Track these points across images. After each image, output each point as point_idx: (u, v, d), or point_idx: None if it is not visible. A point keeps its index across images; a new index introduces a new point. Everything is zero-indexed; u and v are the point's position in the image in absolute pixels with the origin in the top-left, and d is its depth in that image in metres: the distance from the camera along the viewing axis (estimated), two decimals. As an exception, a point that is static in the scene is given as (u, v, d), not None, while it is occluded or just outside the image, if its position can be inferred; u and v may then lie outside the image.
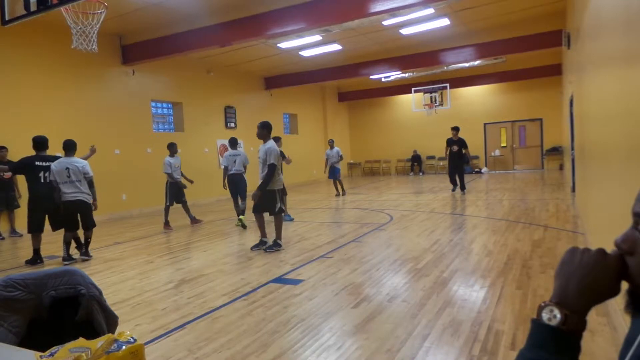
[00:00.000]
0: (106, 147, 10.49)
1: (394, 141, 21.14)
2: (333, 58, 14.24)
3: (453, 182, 11.85)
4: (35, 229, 6.01)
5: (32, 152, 6.11)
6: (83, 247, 6.13)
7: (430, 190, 13.16)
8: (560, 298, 0.75)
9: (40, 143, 6.05)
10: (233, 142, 8.71)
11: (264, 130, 6.13)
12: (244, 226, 7.86)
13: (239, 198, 8.44)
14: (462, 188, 11.73)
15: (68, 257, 5.95)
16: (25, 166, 5.95)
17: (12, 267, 5.97)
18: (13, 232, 8.56)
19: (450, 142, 11.79)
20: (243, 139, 14.87)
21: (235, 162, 8.40)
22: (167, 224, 8.46)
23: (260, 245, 6.18)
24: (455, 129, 11.74)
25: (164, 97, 12.44)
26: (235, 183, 8.44)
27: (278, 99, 17.04)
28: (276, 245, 6.07)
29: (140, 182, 11.23)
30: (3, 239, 8.29)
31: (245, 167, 8.52)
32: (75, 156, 6.08)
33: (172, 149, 8.57)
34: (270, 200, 6.00)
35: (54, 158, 6.08)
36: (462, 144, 11.67)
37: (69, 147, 6.04)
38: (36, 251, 6.02)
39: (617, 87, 2.99)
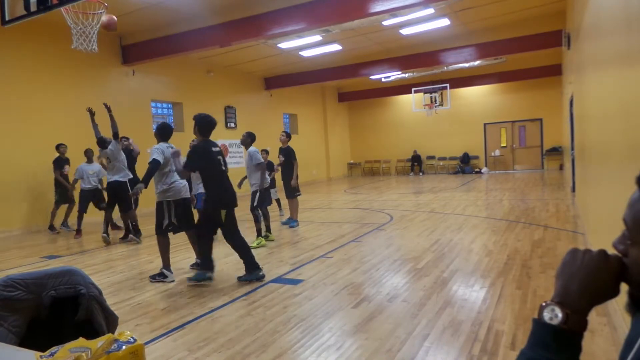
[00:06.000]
0: (106, 147, 10.48)
1: (394, 141, 21.14)
2: (333, 58, 14.24)
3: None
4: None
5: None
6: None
7: (430, 190, 13.16)
8: (561, 298, 0.75)
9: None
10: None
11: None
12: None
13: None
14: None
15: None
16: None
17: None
18: (64, 225, 8.86)
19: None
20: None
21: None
22: (78, 231, 7.96)
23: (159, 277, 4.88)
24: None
25: (164, 97, 12.44)
26: None
27: (278, 99, 17.03)
28: (160, 275, 4.85)
29: (140, 182, 11.22)
30: (58, 232, 8.58)
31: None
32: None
33: (87, 155, 8.14)
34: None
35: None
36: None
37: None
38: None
39: (617, 87, 2.99)
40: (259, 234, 6.52)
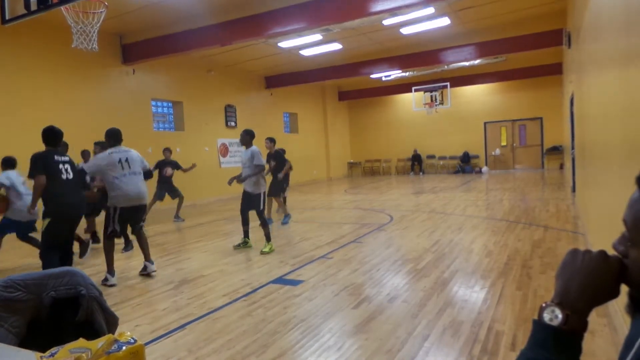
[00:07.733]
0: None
1: (394, 140, 21.14)
2: (333, 57, 14.23)
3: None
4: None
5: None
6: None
7: (430, 190, 13.15)
8: (561, 298, 0.75)
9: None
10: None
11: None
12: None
13: None
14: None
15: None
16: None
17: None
18: (177, 217, 9.38)
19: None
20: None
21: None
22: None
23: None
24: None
25: (164, 96, 12.44)
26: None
27: (278, 98, 17.03)
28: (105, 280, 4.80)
29: (140, 181, 11.22)
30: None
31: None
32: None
33: (83, 156, 7.40)
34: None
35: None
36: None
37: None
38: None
39: (618, 87, 2.99)
40: (268, 239, 6.02)
